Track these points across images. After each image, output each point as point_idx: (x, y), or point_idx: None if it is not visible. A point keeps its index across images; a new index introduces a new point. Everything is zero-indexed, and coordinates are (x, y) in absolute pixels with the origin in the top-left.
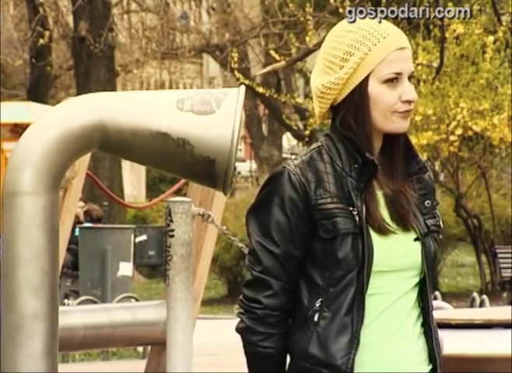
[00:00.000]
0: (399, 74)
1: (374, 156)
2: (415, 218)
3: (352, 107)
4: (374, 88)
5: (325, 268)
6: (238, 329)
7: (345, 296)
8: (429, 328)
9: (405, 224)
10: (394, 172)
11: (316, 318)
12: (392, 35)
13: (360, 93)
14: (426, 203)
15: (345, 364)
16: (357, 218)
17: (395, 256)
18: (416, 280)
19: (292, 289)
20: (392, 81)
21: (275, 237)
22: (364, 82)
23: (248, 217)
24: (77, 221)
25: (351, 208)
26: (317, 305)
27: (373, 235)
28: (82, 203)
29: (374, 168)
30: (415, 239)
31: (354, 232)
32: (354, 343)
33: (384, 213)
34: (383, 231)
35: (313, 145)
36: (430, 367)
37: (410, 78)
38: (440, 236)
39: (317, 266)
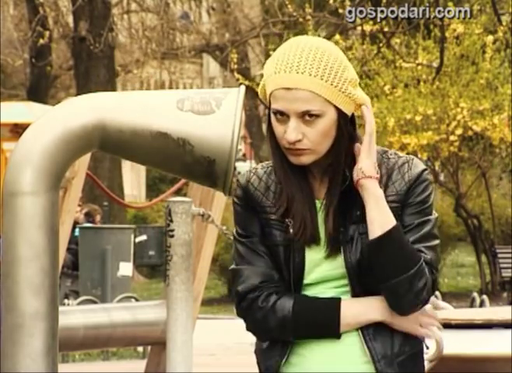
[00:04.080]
0: (282, 112)
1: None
2: (344, 230)
3: None
4: (272, 115)
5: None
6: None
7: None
8: (364, 336)
9: (329, 237)
10: (325, 185)
11: None
12: (284, 72)
13: (269, 113)
14: (357, 212)
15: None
16: (291, 231)
17: (320, 269)
18: (345, 288)
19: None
20: (279, 115)
21: (240, 229)
22: (270, 104)
23: None
24: (75, 223)
25: (287, 220)
26: None
27: (305, 248)
28: (78, 208)
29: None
30: (332, 253)
31: (285, 244)
32: (284, 351)
33: (320, 225)
34: (309, 243)
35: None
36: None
37: (312, 116)
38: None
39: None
